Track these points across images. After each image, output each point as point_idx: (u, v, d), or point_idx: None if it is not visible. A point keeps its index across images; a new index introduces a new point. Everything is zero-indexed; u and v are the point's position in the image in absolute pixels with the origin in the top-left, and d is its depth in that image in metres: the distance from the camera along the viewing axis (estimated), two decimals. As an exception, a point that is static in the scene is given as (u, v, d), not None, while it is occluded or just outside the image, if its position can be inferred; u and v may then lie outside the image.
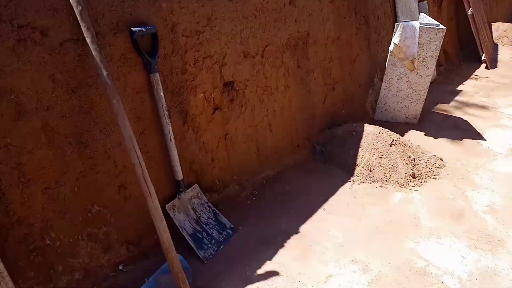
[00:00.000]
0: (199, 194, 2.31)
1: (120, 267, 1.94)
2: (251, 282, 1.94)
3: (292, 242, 2.18)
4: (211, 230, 2.23)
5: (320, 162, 2.94)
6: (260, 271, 2.00)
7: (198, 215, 2.25)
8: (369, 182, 2.67)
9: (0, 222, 1.49)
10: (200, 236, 2.17)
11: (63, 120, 1.62)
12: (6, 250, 1.52)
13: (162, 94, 1.92)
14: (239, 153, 2.55)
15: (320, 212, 2.42)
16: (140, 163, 1.66)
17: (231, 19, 2.28)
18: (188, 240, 2.09)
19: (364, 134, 2.90)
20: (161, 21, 1.90)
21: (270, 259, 2.07)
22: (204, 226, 2.23)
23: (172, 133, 2.03)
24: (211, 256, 2.10)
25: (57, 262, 1.70)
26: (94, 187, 1.79)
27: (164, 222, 1.73)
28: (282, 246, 2.17)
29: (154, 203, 1.70)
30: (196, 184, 2.29)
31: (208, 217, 2.28)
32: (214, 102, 2.31)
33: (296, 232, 2.27)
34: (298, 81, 2.86)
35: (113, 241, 1.91)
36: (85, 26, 1.53)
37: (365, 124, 3.02)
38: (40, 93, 1.53)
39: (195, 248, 2.08)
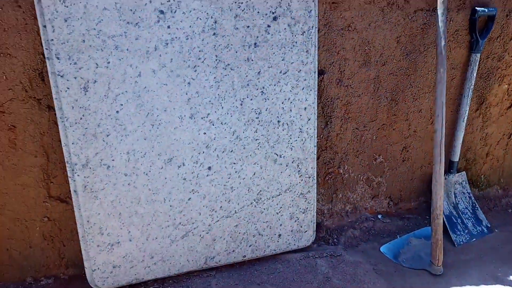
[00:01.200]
0: (464, 182, 2.46)
1: (379, 216, 2.32)
2: (503, 283, 2.03)
3: (560, 267, 2.13)
4: (466, 220, 2.38)
5: None
6: (514, 278, 2.07)
7: (457, 202, 2.43)
8: None
9: (320, 144, 2.04)
10: (455, 221, 2.35)
11: (389, 77, 2.02)
12: (317, 166, 2.07)
13: (474, 74, 2.12)
14: (517, 157, 2.55)
15: None
16: (441, 130, 1.93)
17: None
18: (444, 219, 2.30)
19: None
20: (500, 5, 2.06)
21: (528, 272, 2.10)
22: (460, 213, 2.39)
23: (466, 115, 2.22)
24: (461, 243, 2.27)
25: (339, 190, 2.20)
26: (386, 141, 2.18)
27: (443, 191, 1.98)
28: (545, 265, 2.14)
29: (440, 170, 1.97)
30: (464, 172, 2.44)
31: (466, 207, 2.43)
32: (515, 97, 2.36)
33: None
34: None
35: (381, 192, 2.30)
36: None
37: None
38: (384, 50, 1.95)
39: (449, 229, 2.28)
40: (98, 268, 1.68)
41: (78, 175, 1.55)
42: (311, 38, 1.71)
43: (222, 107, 1.67)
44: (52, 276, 1.86)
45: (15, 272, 1.83)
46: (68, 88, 1.46)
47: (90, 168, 1.56)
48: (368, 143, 2.15)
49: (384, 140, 2.17)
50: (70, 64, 1.45)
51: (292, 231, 1.97)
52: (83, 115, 1.50)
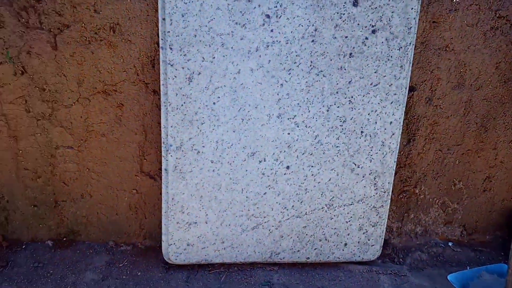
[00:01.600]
0: (550, 224, 2.32)
1: (450, 244, 2.27)
2: None
3: None
4: (547, 265, 2.24)
5: None
6: None
7: (539, 243, 2.30)
8: None
9: (400, 160, 2.05)
10: (534, 263, 2.22)
11: (482, 102, 1.99)
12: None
13: None
14: None
15: None
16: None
17: None
18: (522, 259, 2.19)
19: None
20: None
21: None
22: (541, 256, 2.26)
23: None
24: (539, 287, 2.15)
25: (412, 210, 2.19)
26: (468, 167, 2.13)
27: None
28: None
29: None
30: (551, 213, 2.31)
31: (548, 251, 2.29)
32: None
33: None
34: None
35: (455, 219, 2.25)
36: (552, 30, 1.78)
37: None
38: (480, 74, 1.93)
39: (526, 270, 2.17)
40: (174, 244, 1.84)
41: (171, 156, 1.72)
42: (407, 54, 1.74)
43: (309, 111, 1.75)
44: (131, 244, 2.07)
45: (100, 234, 2.06)
46: (175, 77, 1.64)
47: (182, 151, 1.72)
48: (450, 166, 2.12)
49: (467, 166, 2.13)
50: (180, 55, 1.62)
51: (359, 242, 2.01)
52: (184, 102, 1.67)
